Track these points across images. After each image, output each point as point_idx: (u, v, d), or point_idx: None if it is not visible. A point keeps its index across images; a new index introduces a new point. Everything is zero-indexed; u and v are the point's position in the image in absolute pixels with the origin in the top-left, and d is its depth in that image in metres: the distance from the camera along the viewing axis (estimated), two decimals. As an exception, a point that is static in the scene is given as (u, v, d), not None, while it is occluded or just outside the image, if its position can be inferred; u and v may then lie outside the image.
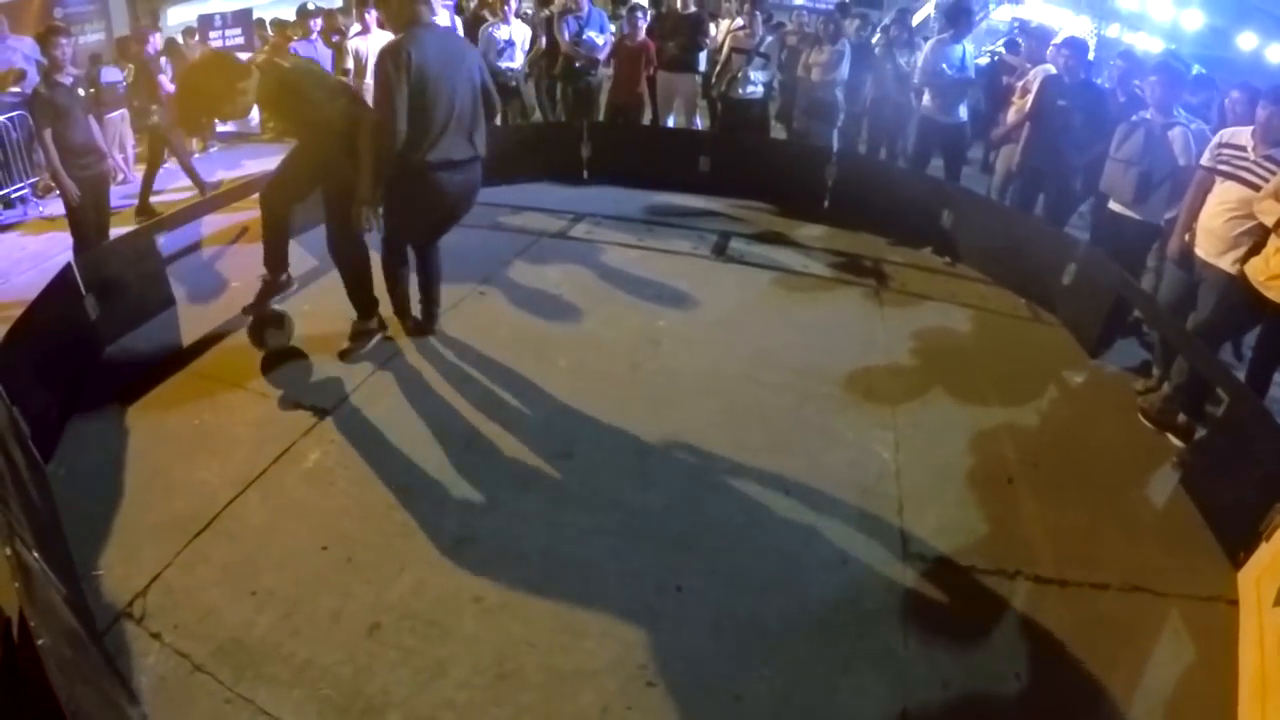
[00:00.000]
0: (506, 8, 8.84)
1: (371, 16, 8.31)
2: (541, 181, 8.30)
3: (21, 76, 9.52)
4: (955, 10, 8.02)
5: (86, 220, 6.33)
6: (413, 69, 4.35)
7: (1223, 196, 4.67)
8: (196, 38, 11.89)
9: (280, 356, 5.07)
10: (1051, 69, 7.09)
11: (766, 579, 3.51)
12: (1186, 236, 4.93)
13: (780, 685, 3.03)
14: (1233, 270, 4.56)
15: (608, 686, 2.97)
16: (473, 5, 10.01)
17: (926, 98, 7.76)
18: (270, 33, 11.94)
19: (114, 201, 8.17)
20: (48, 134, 5.97)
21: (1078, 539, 3.85)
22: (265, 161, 10.07)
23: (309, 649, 3.06)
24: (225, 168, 10.20)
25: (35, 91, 6.08)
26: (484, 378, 4.89)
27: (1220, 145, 4.74)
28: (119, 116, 9.29)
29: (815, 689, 3.04)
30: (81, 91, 6.60)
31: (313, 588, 3.34)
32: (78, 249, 6.17)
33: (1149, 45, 20.23)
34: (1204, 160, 4.84)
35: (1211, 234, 4.71)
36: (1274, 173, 4.42)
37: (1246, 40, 19.30)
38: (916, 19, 13.39)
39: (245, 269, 6.37)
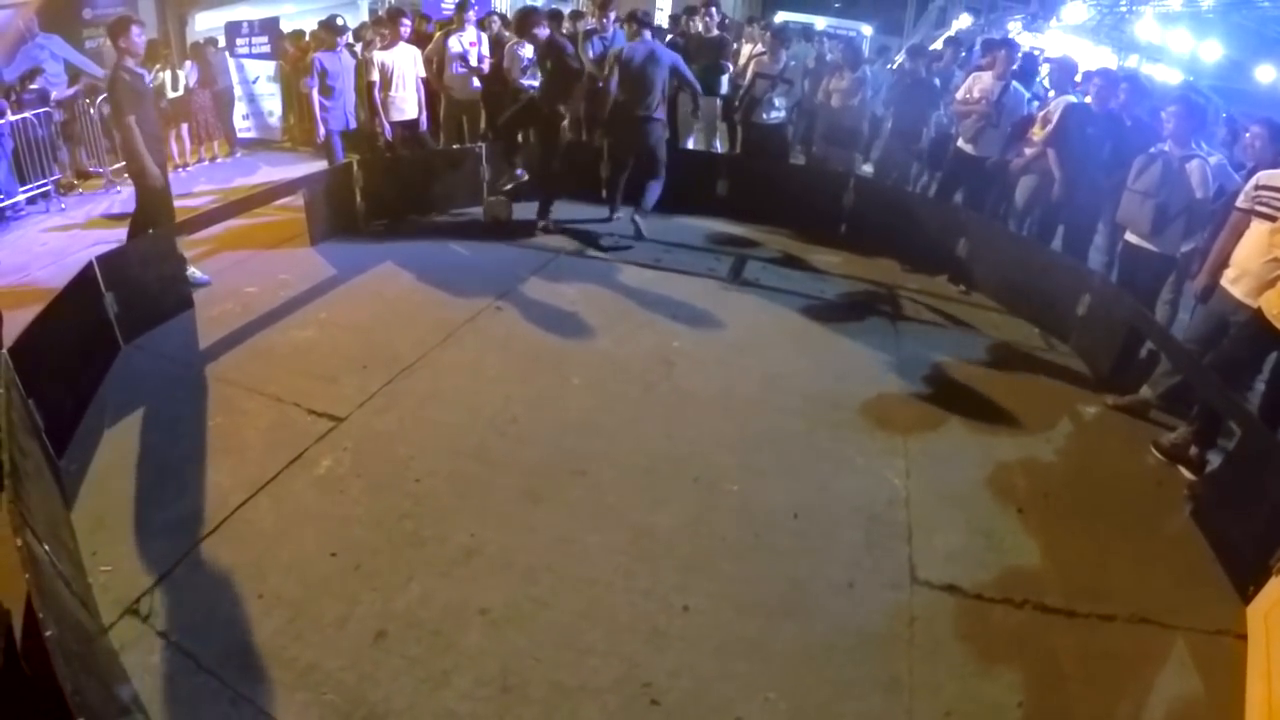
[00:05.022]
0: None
1: (405, 29, 8.38)
2: (560, 199, 8.33)
3: (39, 73, 9.64)
4: (996, 44, 8.06)
5: (159, 204, 6.28)
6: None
7: (1261, 238, 4.65)
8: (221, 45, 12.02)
9: (295, 363, 5.11)
10: (1072, 99, 7.09)
11: (774, 602, 3.50)
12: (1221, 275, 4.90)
13: (784, 709, 3.01)
14: None
15: (611, 704, 2.97)
16: (496, 26, 10.08)
17: (962, 131, 7.74)
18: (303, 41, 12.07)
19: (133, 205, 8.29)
20: (131, 119, 5.91)
21: (1086, 570, 3.83)
22: (283, 169, 10.18)
23: (314, 654, 3.07)
24: (244, 174, 10.28)
25: (116, 77, 5.99)
26: (498, 392, 4.91)
27: (1259, 187, 4.72)
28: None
29: (819, 714, 3.02)
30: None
31: (320, 593, 3.35)
32: (134, 234, 6.17)
33: (1168, 77, 20.24)
34: (1240, 202, 4.82)
35: (1248, 274, 4.68)
36: None
37: (1265, 73, 19.28)
38: (934, 47, 13.43)
39: (263, 274, 6.44)
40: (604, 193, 8.33)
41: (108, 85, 6.27)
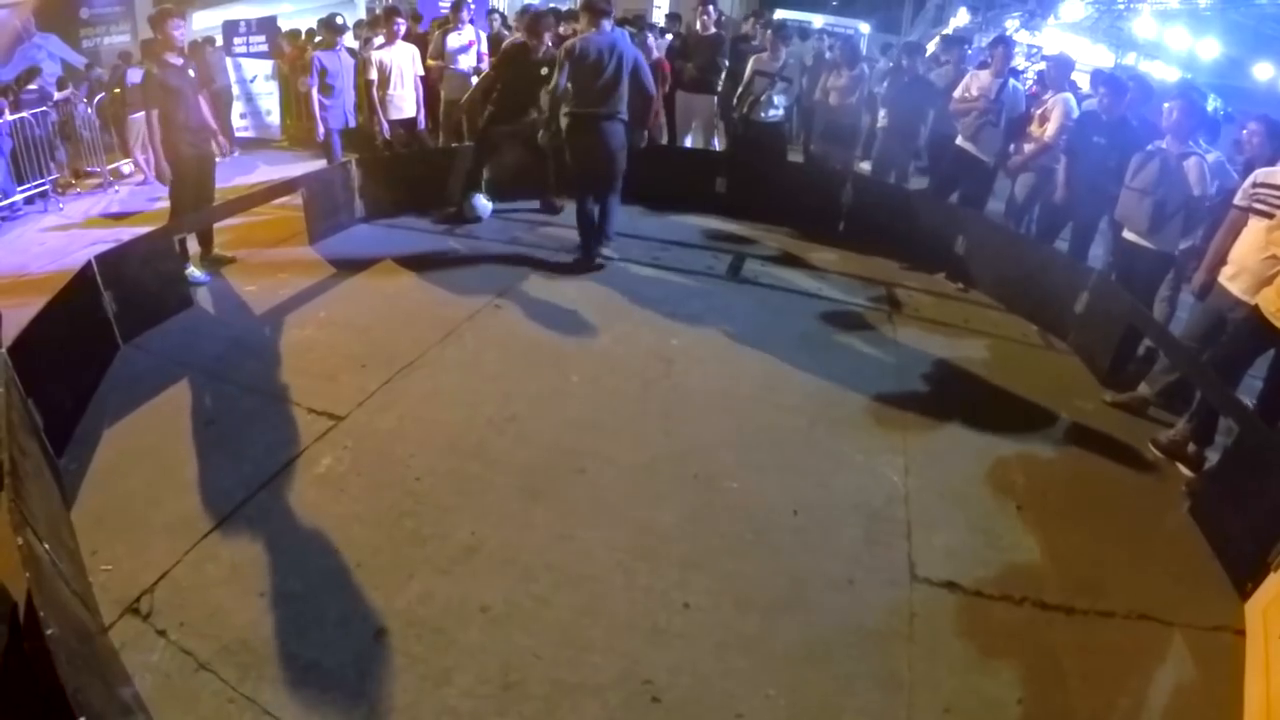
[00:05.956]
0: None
1: (399, 28, 8.37)
2: (559, 197, 8.32)
3: (37, 73, 9.65)
4: (996, 43, 8.07)
5: (186, 196, 6.39)
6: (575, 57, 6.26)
7: (1259, 235, 4.66)
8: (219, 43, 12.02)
9: (295, 361, 5.12)
10: (1069, 96, 7.10)
11: (773, 598, 3.51)
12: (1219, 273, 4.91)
13: (784, 705, 3.02)
14: None
15: (612, 701, 2.97)
16: (497, 24, 10.09)
17: (962, 129, 7.74)
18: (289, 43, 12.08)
19: (139, 205, 8.31)
20: (155, 114, 6.03)
21: (1085, 566, 3.84)
22: (281, 167, 10.17)
23: (314, 652, 3.07)
24: (242, 173, 10.26)
25: (147, 71, 6.17)
26: (497, 390, 4.91)
27: (1256, 184, 4.72)
28: (143, 117, 9.36)
29: (819, 710, 3.02)
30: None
31: (320, 591, 3.35)
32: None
33: (1165, 74, 20.25)
34: (1238, 199, 4.82)
35: (1246, 271, 4.69)
36: None
37: (1262, 70, 19.30)
38: (932, 45, 13.47)
39: (262, 273, 6.45)
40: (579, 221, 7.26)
41: (142, 80, 6.36)
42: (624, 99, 6.52)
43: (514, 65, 7.50)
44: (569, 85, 6.40)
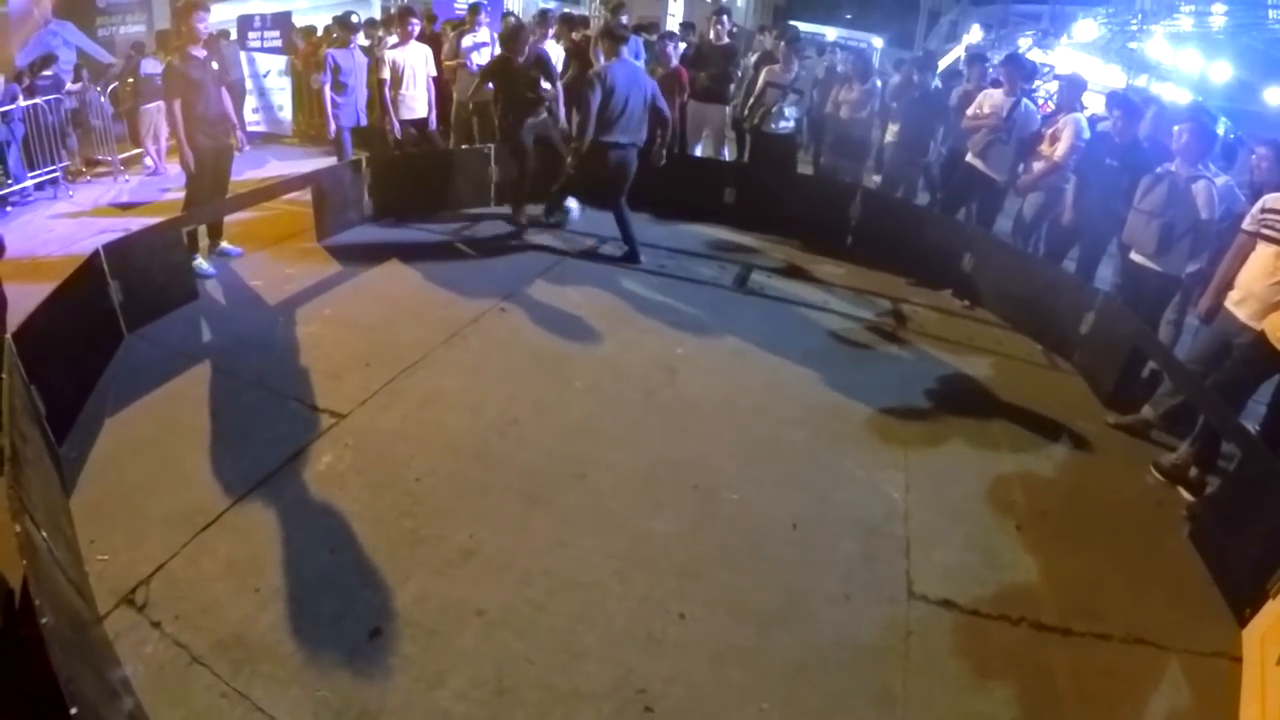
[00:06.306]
0: (545, 31, 9.03)
1: (414, 28, 8.38)
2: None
3: (53, 60, 9.68)
4: (1009, 62, 8.07)
5: (203, 186, 6.44)
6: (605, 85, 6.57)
7: (1266, 260, 4.66)
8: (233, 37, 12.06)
9: (299, 358, 5.13)
10: (1081, 117, 7.10)
11: (770, 611, 3.50)
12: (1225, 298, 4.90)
13: (777, 719, 3.01)
14: None
15: (604, 709, 2.97)
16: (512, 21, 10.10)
17: (971, 145, 7.73)
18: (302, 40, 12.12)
19: (149, 195, 8.34)
20: (177, 105, 6.06)
21: (1083, 589, 3.83)
22: (292, 163, 10.18)
23: (309, 649, 3.07)
24: (253, 167, 10.27)
25: (168, 64, 6.22)
26: (499, 394, 4.91)
27: (1264, 210, 4.71)
28: (155, 108, 9.40)
29: (812, 725, 3.02)
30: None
31: (316, 589, 3.35)
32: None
33: (1177, 97, 20.21)
34: (1246, 225, 4.81)
35: (1253, 297, 4.68)
36: None
37: (1274, 95, 19.25)
38: (945, 61, 13.49)
39: (269, 268, 6.46)
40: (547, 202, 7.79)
41: (164, 71, 6.42)
42: (644, 128, 6.99)
43: (500, 78, 7.63)
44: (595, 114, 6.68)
